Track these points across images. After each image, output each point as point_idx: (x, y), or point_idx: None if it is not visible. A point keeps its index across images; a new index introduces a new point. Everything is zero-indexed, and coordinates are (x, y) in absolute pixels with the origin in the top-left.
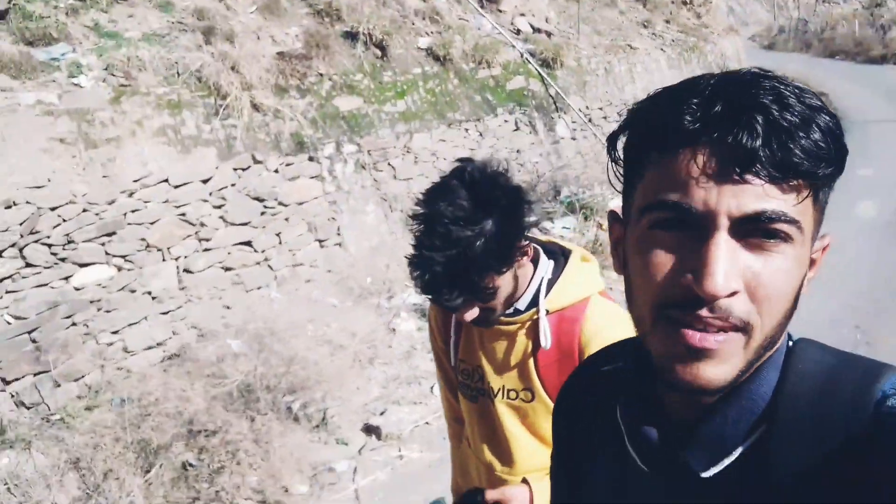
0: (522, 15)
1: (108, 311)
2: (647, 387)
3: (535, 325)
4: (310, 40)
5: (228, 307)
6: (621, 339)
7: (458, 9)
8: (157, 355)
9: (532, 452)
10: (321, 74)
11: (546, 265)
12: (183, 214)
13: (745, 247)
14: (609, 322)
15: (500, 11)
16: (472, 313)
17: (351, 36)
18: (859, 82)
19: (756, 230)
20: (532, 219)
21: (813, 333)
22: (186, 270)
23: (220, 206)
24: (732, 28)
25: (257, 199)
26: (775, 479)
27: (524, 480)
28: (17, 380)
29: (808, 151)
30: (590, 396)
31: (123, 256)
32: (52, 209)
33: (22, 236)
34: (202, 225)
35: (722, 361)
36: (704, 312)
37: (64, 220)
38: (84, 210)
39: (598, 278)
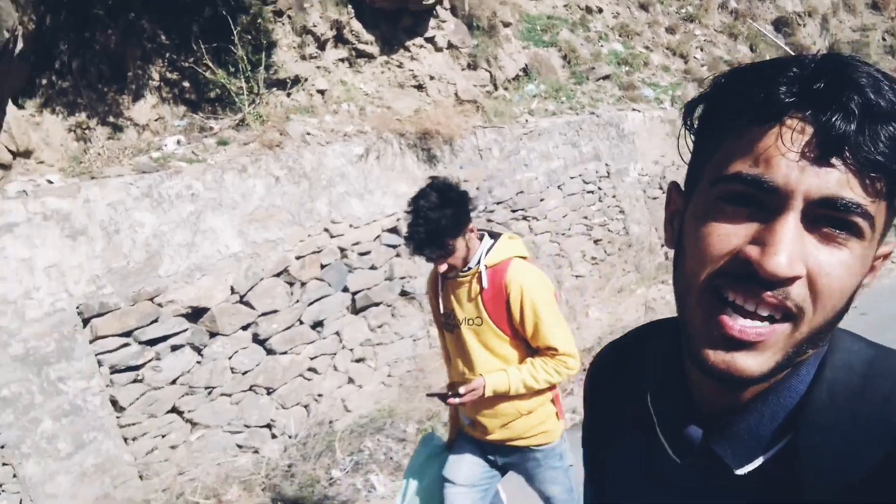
0: None
1: None
2: (678, 373)
3: (479, 275)
4: None
5: None
6: (541, 287)
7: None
8: None
9: (486, 360)
10: None
11: (488, 241)
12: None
13: (813, 235)
14: (521, 273)
15: None
16: (443, 266)
17: None
18: None
19: (829, 219)
20: (472, 209)
21: None
22: None
23: None
24: None
25: None
26: (808, 478)
27: (480, 376)
28: None
29: (891, 144)
30: (620, 375)
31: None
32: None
33: (661, 182)
34: None
35: (761, 352)
36: (764, 293)
37: (663, 177)
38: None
39: (520, 248)
